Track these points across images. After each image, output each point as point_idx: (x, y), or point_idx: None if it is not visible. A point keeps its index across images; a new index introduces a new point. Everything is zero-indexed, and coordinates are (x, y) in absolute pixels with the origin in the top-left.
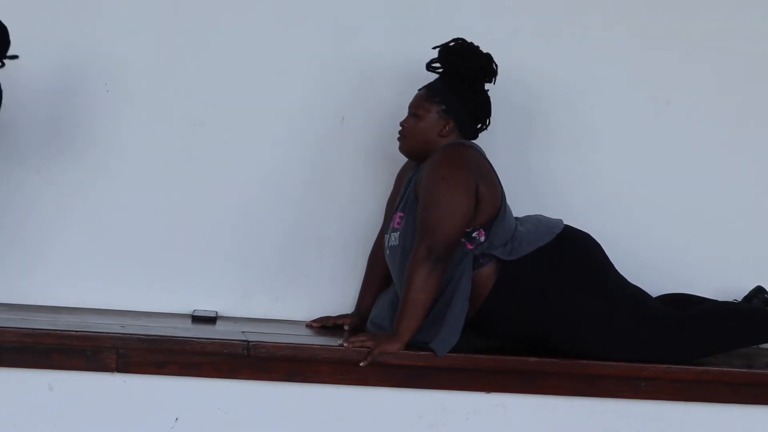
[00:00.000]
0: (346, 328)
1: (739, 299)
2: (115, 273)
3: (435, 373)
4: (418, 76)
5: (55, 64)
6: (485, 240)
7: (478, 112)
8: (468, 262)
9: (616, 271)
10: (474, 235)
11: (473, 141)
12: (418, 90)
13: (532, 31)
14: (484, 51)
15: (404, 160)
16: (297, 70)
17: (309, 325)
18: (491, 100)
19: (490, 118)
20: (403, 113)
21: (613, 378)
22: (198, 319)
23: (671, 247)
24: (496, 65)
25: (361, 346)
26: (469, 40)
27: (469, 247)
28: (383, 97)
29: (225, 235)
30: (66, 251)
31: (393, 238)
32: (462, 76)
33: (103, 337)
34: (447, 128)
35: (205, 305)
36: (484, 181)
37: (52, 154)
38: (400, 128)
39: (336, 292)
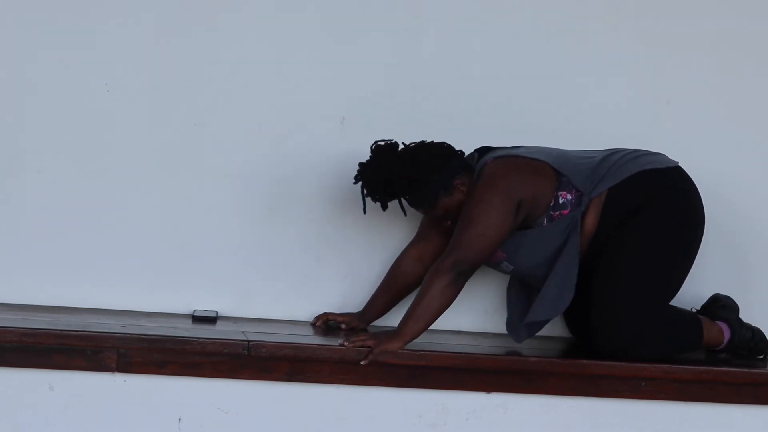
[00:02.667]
0: (342, 326)
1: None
2: (115, 273)
3: (435, 373)
4: (418, 75)
5: (55, 64)
6: (575, 191)
7: (443, 156)
8: (575, 223)
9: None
10: (561, 201)
11: (503, 148)
12: (417, 210)
13: (532, 31)
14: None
15: None
16: (297, 70)
17: (313, 324)
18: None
19: (447, 144)
20: (403, 113)
21: (613, 378)
22: (198, 319)
23: None
24: (380, 144)
25: (362, 345)
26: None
27: (565, 212)
28: (383, 97)
29: (225, 235)
30: (66, 251)
31: (506, 266)
32: (399, 180)
33: (104, 337)
34: (461, 188)
35: (205, 305)
36: (530, 186)
37: (52, 154)
38: (448, 224)
39: (336, 292)
